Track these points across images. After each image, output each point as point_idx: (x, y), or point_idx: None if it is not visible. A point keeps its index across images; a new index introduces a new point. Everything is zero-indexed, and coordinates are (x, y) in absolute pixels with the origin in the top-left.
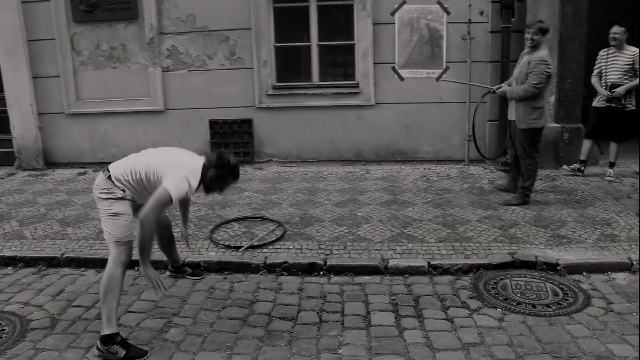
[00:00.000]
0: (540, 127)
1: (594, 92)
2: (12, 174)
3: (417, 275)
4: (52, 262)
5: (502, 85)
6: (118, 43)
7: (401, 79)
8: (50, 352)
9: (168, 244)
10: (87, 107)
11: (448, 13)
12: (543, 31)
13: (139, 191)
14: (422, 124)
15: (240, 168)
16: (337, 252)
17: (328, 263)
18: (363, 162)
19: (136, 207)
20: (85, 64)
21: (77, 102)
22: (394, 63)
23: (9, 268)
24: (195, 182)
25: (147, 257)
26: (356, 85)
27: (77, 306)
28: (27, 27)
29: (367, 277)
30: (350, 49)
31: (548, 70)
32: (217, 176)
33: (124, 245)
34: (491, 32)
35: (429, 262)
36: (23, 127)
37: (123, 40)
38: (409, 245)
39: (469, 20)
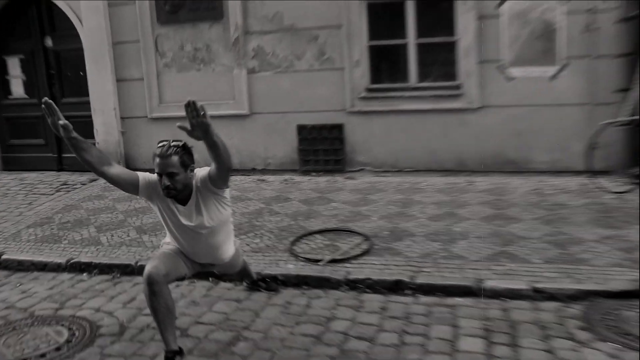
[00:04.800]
0: None
1: None
2: (94, 180)
3: (517, 299)
4: (126, 270)
5: None
6: (202, 44)
7: (509, 78)
8: (116, 359)
9: (243, 274)
10: (170, 110)
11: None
12: None
13: None
14: (535, 129)
15: (330, 177)
16: (427, 270)
17: (416, 281)
18: (466, 173)
19: None
20: (169, 66)
21: (160, 105)
22: (502, 61)
23: (84, 274)
24: None
25: None
26: (458, 87)
27: (147, 315)
28: (112, 30)
29: (458, 299)
30: (452, 47)
31: None
32: None
33: None
34: (621, 20)
35: (532, 286)
36: (106, 132)
37: (207, 40)
38: (510, 265)
39: (591, 9)
